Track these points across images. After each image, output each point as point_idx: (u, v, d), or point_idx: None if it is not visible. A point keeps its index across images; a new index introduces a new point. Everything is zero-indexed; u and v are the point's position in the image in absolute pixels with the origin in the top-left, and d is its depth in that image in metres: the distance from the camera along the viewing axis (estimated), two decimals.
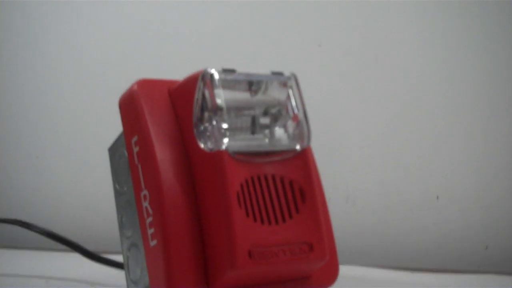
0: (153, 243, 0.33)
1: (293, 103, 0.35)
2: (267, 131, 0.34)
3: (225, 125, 0.32)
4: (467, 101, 0.64)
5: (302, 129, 0.34)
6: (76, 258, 0.53)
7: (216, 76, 0.32)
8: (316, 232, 0.33)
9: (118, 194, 0.38)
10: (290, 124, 0.35)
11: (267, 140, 0.34)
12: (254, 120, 0.34)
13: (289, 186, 0.34)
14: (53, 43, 0.80)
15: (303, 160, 0.34)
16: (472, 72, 0.64)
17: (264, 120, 0.34)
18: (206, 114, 0.33)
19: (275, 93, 0.34)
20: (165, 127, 0.34)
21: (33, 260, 0.63)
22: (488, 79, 0.64)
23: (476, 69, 0.64)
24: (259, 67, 0.34)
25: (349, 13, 0.68)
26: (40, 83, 0.81)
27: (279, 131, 0.34)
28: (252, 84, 0.34)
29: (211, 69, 0.33)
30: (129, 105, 0.35)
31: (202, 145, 0.33)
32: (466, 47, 0.64)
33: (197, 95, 0.33)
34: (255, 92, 0.34)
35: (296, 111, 0.35)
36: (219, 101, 0.32)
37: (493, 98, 0.64)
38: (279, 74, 0.35)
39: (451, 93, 0.65)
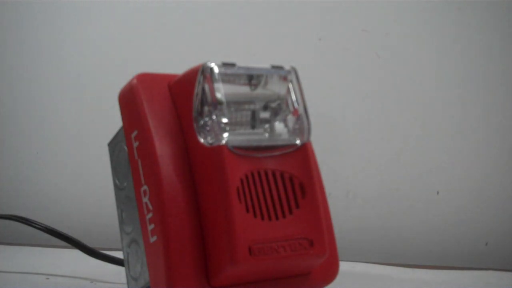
0: (153, 239, 0.33)
1: (293, 97, 0.34)
2: (267, 126, 0.34)
3: (225, 120, 0.32)
4: (468, 97, 0.64)
5: (302, 123, 0.34)
6: (76, 254, 0.53)
7: (216, 70, 0.32)
8: (316, 228, 0.33)
9: (118, 189, 0.38)
10: (290, 119, 0.34)
11: (267, 135, 0.34)
12: (254, 115, 0.34)
13: (289, 181, 0.33)
14: (53, 40, 0.80)
15: (303, 155, 0.34)
16: (472, 67, 0.64)
17: (264, 115, 0.34)
18: (206, 109, 0.32)
19: (275, 87, 0.34)
20: (165, 121, 0.34)
21: (32, 256, 0.63)
22: (489, 74, 0.64)
23: (477, 65, 0.64)
24: (259, 61, 0.34)
25: (349, 7, 0.67)
26: (40, 79, 0.81)
27: (279, 126, 0.34)
28: (252, 78, 0.34)
29: (210, 62, 0.32)
30: (129, 99, 0.35)
31: (202, 140, 0.33)
32: (467, 43, 0.64)
33: (197, 89, 0.33)
34: (255, 86, 0.34)
35: (296, 105, 0.34)
36: (219, 95, 0.32)
37: (494, 93, 0.64)
38: (279, 68, 0.34)
39: (451, 89, 0.65)
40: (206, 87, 0.32)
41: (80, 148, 0.78)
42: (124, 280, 0.38)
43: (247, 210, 0.32)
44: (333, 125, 0.67)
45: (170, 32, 0.74)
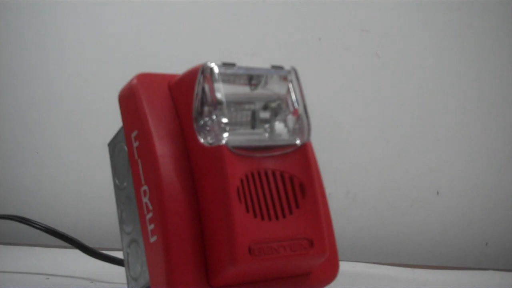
0: (153, 239, 0.33)
1: (293, 97, 0.34)
2: (267, 126, 0.34)
3: (225, 120, 0.32)
4: (468, 97, 0.64)
5: (302, 123, 0.34)
6: (76, 254, 0.53)
7: (216, 70, 0.32)
8: (316, 228, 0.33)
9: (118, 189, 0.38)
10: (290, 119, 0.34)
11: (267, 135, 0.34)
12: (254, 115, 0.34)
13: (289, 181, 0.33)
14: (53, 40, 0.80)
15: (303, 155, 0.34)
16: (473, 68, 0.64)
17: (264, 115, 0.34)
18: (206, 109, 0.32)
19: (275, 87, 0.34)
20: (165, 121, 0.34)
21: (32, 256, 0.63)
22: (490, 75, 0.64)
23: (477, 65, 0.64)
24: (259, 61, 0.34)
25: (349, 7, 0.67)
26: (40, 79, 0.81)
27: (279, 126, 0.34)
28: (252, 78, 0.34)
29: (211, 62, 0.32)
30: (129, 99, 0.35)
31: (202, 140, 0.33)
32: (467, 43, 0.64)
33: (197, 89, 0.33)
34: (255, 86, 0.34)
35: (296, 105, 0.34)
36: (219, 95, 0.32)
37: (495, 94, 0.64)
38: (279, 68, 0.34)
39: (452, 89, 0.65)
40: (206, 87, 0.32)
41: (80, 148, 0.78)
42: (124, 280, 0.38)
43: (247, 210, 0.32)
44: (333, 125, 0.67)
45: (170, 32, 0.74)
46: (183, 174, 0.33)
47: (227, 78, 0.33)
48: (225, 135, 0.32)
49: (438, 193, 0.64)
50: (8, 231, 0.73)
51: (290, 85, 0.34)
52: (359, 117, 0.67)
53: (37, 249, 0.68)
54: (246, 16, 0.71)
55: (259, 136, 0.34)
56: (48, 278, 0.50)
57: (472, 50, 0.64)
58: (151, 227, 0.33)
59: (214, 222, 0.32)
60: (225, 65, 0.33)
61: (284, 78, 0.34)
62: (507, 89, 0.63)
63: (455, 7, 0.64)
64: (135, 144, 0.34)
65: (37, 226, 0.52)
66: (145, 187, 0.34)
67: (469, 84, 0.64)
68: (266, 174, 0.33)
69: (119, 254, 0.45)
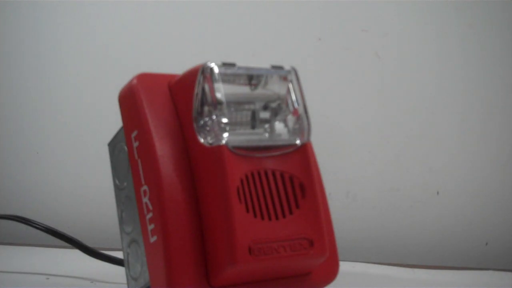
0: (153, 239, 0.33)
1: (293, 97, 0.34)
2: (267, 126, 0.34)
3: (225, 120, 0.32)
4: (468, 97, 0.64)
5: (302, 123, 0.34)
6: (76, 254, 0.53)
7: (216, 70, 0.32)
8: (317, 228, 0.33)
9: (118, 189, 0.38)
10: (290, 119, 0.34)
11: (267, 135, 0.34)
12: (254, 115, 0.34)
13: (289, 181, 0.33)
14: (54, 39, 0.80)
15: (303, 155, 0.34)
16: (473, 68, 0.64)
17: (264, 115, 0.34)
18: (206, 109, 0.32)
19: (275, 87, 0.34)
20: (165, 121, 0.34)
21: (33, 256, 0.63)
22: (488, 75, 0.64)
23: (478, 65, 0.64)
24: (259, 61, 0.34)
25: (349, 7, 0.67)
26: (41, 79, 0.81)
27: (279, 126, 0.34)
28: (252, 78, 0.34)
29: (211, 63, 0.32)
30: (129, 99, 0.35)
31: (202, 140, 0.33)
32: (466, 43, 0.64)
33: (197, 89, 0.33)
34: (255, 86, 0.34)
35: (296, 105, 0.34)
36: (219, 95, 0.32)
37: (495, 94, 0.64)
38: (279, 68, 0.34)
39: (452, 89, 0.65)
40: (206, 87, 0.32)
41: (80, 148, 0.78)
42: (124, 280, 0.38)
43: (247, 210, 0.32)
44: (333, 125, 0.67)
45: (170, 32, 0.74)
46: (183, 174, 0.33)
47: (227, 78, 0.33)
48: (225, 135, 0.32)
49: (438, 193, 0.64)
50: (8, 231, 0.73)
51: (290, 85, 0.34)
52: (359, 117, 0.67)
53: (37, 249, 0.68)
54: (246, 16, 0.71)
55: (259, 136, 0.34)
56: (48, 278, 0.50)
57: (473, 50, 0.64)
58: (151, 227, 0.33)
59: (214, 222, 0.32)
60: (225, 65, 0.33)
61: (284, 78, 0.34)
62: (507, 89, 0.63)
63: (455, 7, 0.64)
64: (135, 144, 0.34)
65: (37, 226, 0.52)
66: (145, 187, 0.34)
67: (469, 84, 0.64)
68: (266, 174, 0.33)
69: (119, 254, 0.45)
